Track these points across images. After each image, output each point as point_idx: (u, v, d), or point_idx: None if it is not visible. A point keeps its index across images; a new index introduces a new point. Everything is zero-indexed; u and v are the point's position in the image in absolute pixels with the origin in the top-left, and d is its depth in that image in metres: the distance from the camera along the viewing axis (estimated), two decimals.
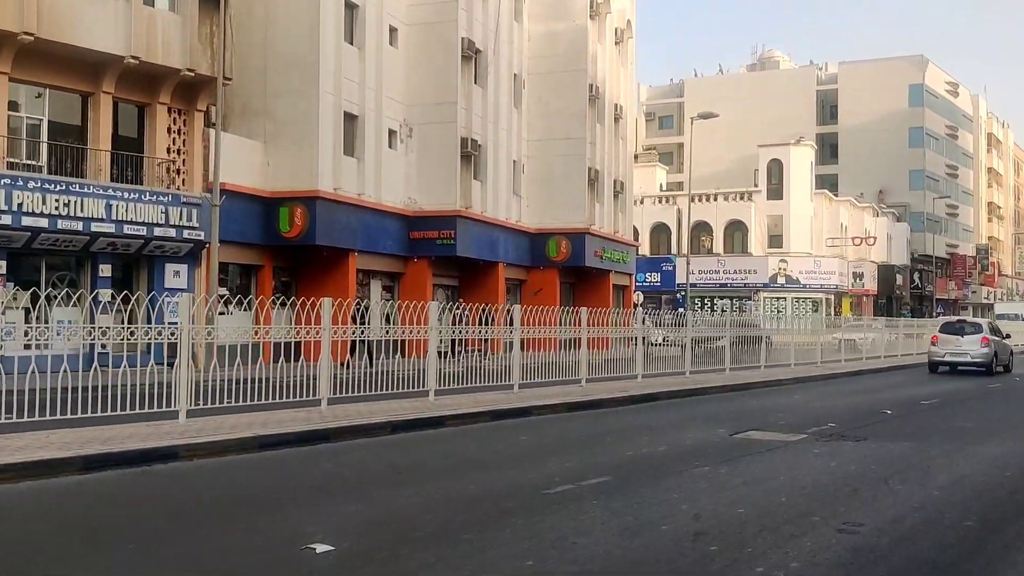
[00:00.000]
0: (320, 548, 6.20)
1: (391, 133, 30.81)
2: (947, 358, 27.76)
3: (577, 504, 7.82)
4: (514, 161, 36.47)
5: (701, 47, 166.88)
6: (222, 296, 23.99)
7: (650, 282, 66.73)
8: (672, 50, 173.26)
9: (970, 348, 27.43)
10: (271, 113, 26.98)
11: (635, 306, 53.98)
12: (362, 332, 14.96)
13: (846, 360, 29.81)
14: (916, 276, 79.80)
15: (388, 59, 30.30)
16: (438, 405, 14.10)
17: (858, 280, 68.87)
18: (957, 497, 8.54)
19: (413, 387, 15.15)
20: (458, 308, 16.12)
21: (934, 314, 73.77)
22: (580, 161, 37.77)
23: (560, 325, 17.96)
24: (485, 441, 11.96)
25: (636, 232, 66.68)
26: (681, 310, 62.34)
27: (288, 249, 27.49)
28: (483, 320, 16.60)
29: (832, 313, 60.34)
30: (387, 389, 14.74)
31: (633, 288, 63.43)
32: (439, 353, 16.73)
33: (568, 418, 14.42)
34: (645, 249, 67.42)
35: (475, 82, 33.23)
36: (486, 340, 17.20)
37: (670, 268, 66.47)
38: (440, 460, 10.39)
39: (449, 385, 15.84)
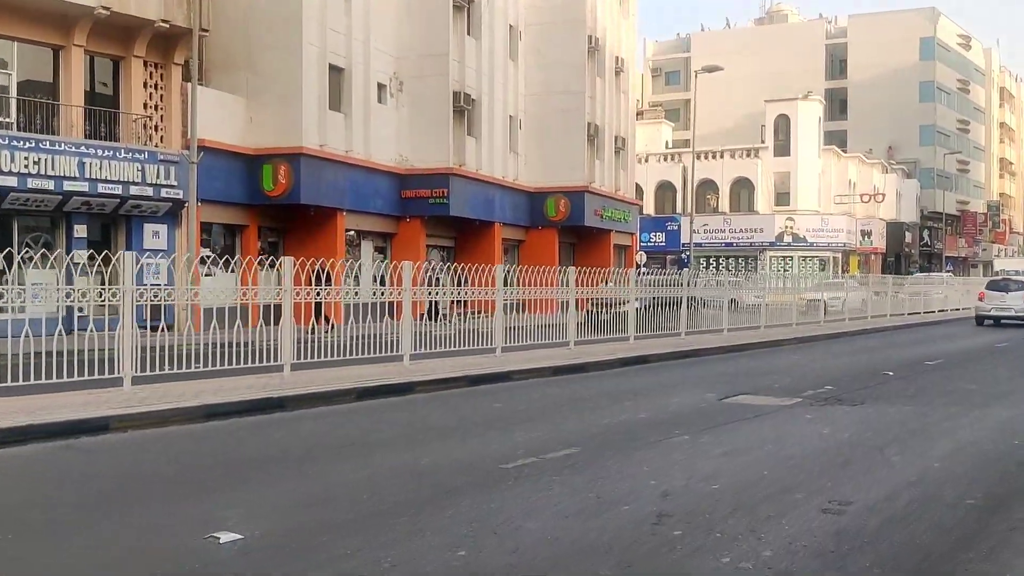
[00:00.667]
0: (225, 537, 5.44)
1: (380, 87, 29.79)
2: (992, 312, 30.06)
3: (535, 480, 7.05)
4: (510, 116, 35.41)
5: (708, 1, 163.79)
6: (206, 258, 23.25)
7: (655, 242, 65.83)
8: (679, 4, 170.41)
9: (1014, 303, 29.52)
10: (253, 66, 25.98)
11: (637, 267, 53.15)
12: (350, 294, 14.22)
13: (826, 322, 28.83)
14: (925, 234, 78.58)
15: (376, 9, 29.19)
16: (411, 370, 13.34)
17: (866, 238, 67.71)
18: (960, 469, 7.73)
19: (392, 351, 14.36)
20: (435, 269, 15.29)
21: (943, 271, 72.68)
22: (579, 116, 36.67)
23: (545, 286, 17.08)
24: (454, 408, 11.18)
25: (641, 191, 65.63)
26: (686, 270, 61.47)
27: (274, 208, 26.64)
28: (459, 281, 15.77)
29: (840, 272, 59.38)
30: (365, 353, 13.95)
31: (635, 248, 62.60)
32: (430, 315, 16.03)
33: (550, 383, 13.63)
34: (650, 208, 66.37)
35: (468, 33, 32.11)
36: (464, 303, 16.40)
37: (675, 227, 65.48)
38: (399, 429, 9.63)
39: (430, 349, 15.06)
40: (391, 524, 5.81)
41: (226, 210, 25.47)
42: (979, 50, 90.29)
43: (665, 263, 62.72)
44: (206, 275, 21.46)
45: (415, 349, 14.18)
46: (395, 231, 30.89)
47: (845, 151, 70.71)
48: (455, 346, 15.32)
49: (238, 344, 12.28)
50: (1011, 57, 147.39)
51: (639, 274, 33.79)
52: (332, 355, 13.44)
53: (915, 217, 77.25)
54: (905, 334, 26.93)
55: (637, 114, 77.36)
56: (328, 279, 13.83)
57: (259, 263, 20.49)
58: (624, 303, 19.33)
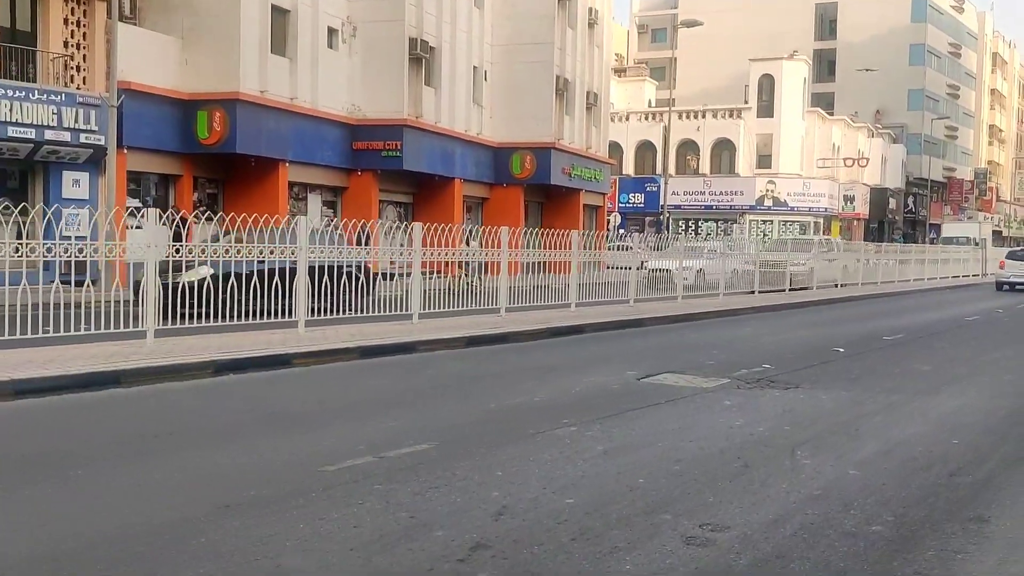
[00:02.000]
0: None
1: (331, 31, 28.12)
2: (1012, 279, 33.96)
3: (351, 490, 5.74)
4: (475, 67, 33.77)
5: None
6: (137, 209, 21.71)
7: (634, 203, 64.43)
8: None
9: None
10: (190, 5, 24.30)
11: (610, 228, 51.76)
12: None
13: (791, 290, 27.54)
14: (910, 200, 77.35)
15: None
16: (301, 339, 11.98)
17: (849, 203, 66.45)
18: (878, 479, 6.46)
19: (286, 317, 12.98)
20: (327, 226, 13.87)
21: (927, 240, 71.57)
22: (547, 69, 35.05)
23: (467, 247, 15.73)
24: (324, 385, 9.86)
25: (620, 150, 64.10)
26: (665, 232, 60.22)
27: (211, 158, 25.10)
28: (360, 240, 14.40)
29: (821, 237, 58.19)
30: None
31: (608, 209, 61.17)
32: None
33: (459, 356, 12.30)
34: (630, 168, 64.92)
35: None
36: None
37: (655, 189, 63.83)
38: (242, 415, 8.30)
39: (333, 314, 13.58)
40: (117, 560, 4.50)
41: (157, 158, 23.93)
42: (972, 14, 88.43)
43: (643, 225, 61.41)
44: (137, 227, 20.04)
45: (311, 315, 12.80)
46: (346, 185, 29.38)
47: (832, 114, 69.16)
48: (366, 311, 13.94)
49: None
50: (1004, 21, 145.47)
51: (611, 236, 32.68)
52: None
53: (900, 183, 75.92)
54: (874, 304, 25.73)
55: (619, 71, 75.73)
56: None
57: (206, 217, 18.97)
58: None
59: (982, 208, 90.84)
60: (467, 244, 15.70)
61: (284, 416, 8.11)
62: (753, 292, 24.78)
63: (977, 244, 57.36)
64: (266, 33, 25.04)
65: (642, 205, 63.35)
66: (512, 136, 34.89)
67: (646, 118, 65.10)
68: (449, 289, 15.56)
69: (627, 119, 65.06)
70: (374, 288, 14.39)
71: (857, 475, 6.56)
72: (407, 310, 14.23)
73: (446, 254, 16.17)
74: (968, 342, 16.11)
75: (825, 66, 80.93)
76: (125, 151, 22.40)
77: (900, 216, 75.75)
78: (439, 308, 15.14)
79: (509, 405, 8.80)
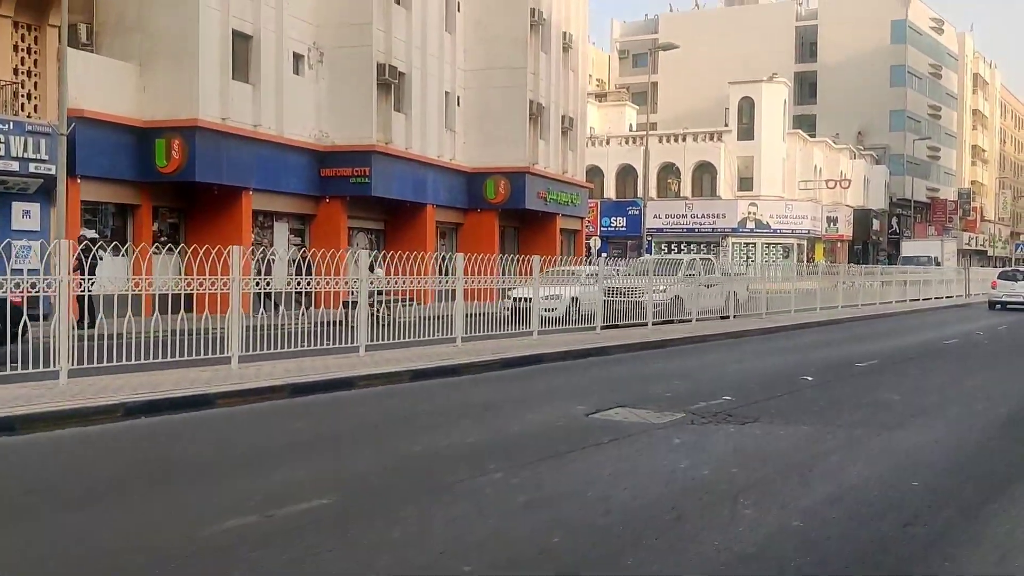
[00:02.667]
0: None
1: (297, 57, 27.61)
2: (1003, 299, 34.99)
3: (216, 559, 5.06)
4: (447, 92, 33.29)
5: None
6: (93, 240, 21.03)
7: (615, 227, 64.00)
8: None
9: (1022, 291, 34.25)
10: (147, 30, 23.75)
11: (589, 252, 51.26)
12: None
13: (768, 314, 26.89)
14: (894, 221, 77.14)
15: None
16: (236, 376, 11.29)
17: (832, 225, 66.11)
18: (822, 532, 5.81)
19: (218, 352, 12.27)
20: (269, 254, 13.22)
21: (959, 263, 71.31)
22: (520, 93, 34.60)
23: (424, 275, 15.09)
24: (236, 432, 9.15)
25: (602, 173, 63.73)
26: (647, 256, 59.73)
27: (171, 187, 24.46)
28: (303, 269, 13.75)
29: (804, 259, 57.79)
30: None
31: (588, 233, 60.66)
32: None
33: (401, 392, 11.61)
34: (611, 192, 64.58)
35: (397, 2, 29.95)
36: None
37: (636, 212, 63.30)
38: (137, 466, 7.59)
39: (273, 348, 12.80)
40: None
41: (114, 188, 23.27)
42: (952, 34, 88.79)
43: (626, 249, 60.97)
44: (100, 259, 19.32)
45: (246, 350, 12.10)
46: (314, 213, 28.76)
47: (814, 136, 69.03)
48: (306, 344, 13.22)
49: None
50: (985, 42, 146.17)
51: (590, 260, 31.91)
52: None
53: (884, 204, 75.74)
54: (853, 328, 25.14)
55: (600, 96, 75.61)
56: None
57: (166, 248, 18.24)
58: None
59: (967, 228, 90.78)
60: (371, 271, 14.92)
61: (183, 466, 7.42)
62: (729, 316, 24.12)
63: (939, 264, 55.20)
64: (227, 59, 24.49)
65: (624, 229, 62.84)
66: (486, 161, 34.39)
67: (627, 142, 64.76)
68: (403, 319, 14.90)
69: (608, 143, 64.76)
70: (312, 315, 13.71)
71: (800, 527, 5.90)
72: (355, 342, 13.54)
73: (407, 282, 15.54)
74: (943, 368, 15.51)
75: (806, 88, 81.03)
76: (78, 180, 21.77)
77: (884, 237, 75.49)
78: (392, 339, 14.46)
79: (435, 449, 8.13)
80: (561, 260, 25.76)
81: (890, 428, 9.56)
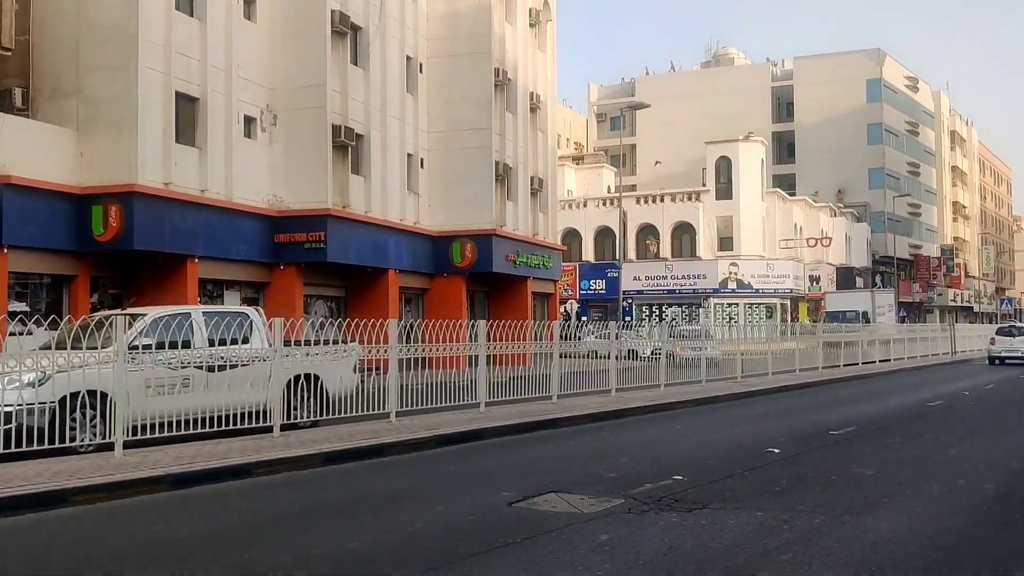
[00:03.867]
0: None
1: (249, 120, 26.59)
2: (1003, 354, 36.61)
3: None
4: (409, 154, 32.36)
5: (653, 48, 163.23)
6: (14, 314, 19.63)
7: (595, 290, 63.09)
8: (623, 50, 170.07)
9: (1021, 346, 36.15)
10: (84, 94, 22.68)
11: (566, 316, 50.09)
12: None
13: (743, 377, 25.60)
14: (878, 279, 76.40)
15: (243, 35, 26.10)
16: (98, 467, 9.91)
17: (815, 283, 65.35)
18: None
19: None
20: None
21: (896, 318, 70.34)
22: (486, 154, 33.67)
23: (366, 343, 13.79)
24: (68, 542, 7.76)
25: (579, 236, 62.93)
26: (628, 319, 58.66)
27: (113, 256, 23.15)
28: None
29: (788, 319, 56.68)
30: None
31: (569, 296, 59.63)
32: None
33: (305, 479, 10.18)
34: (590, 255, 63.75)
35: (355, 63, 29.16)
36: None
37: (615, 274, 62.38)
38: None
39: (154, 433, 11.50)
40: None
41: (47, 258, 21.92)
42: (927, 92, 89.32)
43: (606, 312, 59.82)
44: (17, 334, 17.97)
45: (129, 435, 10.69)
46: (268, 280, 27.49)
47: (793, 195, 68.60)
48: (215, 424, 11.83)
49: None
50: (961, 100, 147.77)
51: (566, 325, 30.64)
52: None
53: (866, 262, 75.16)
54: (831, 391, 23.85)
55: (577, 159, 75.27)
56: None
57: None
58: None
59: (951, 284, 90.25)
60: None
61: None
62: (700, 382, 22.83)
63: (868, 320, 48.10)
64: (170, 122, 23.42)
65: (604, 291, 61.87)
66: (451, 224, 33.33)
67: (604, 204, 64.11)
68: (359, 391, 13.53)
69: (585, 205, 64.17)
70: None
71: None
72: (269, 421, 12.17)
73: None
74: (924, 435, 14.19)
75: (784, 148, 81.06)
76: (5, 250, 20.51)
77: None
78: (314, 416, 13.08)
79: (305, 557, 6.75)
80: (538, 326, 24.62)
81: (858, 512, 8.25)
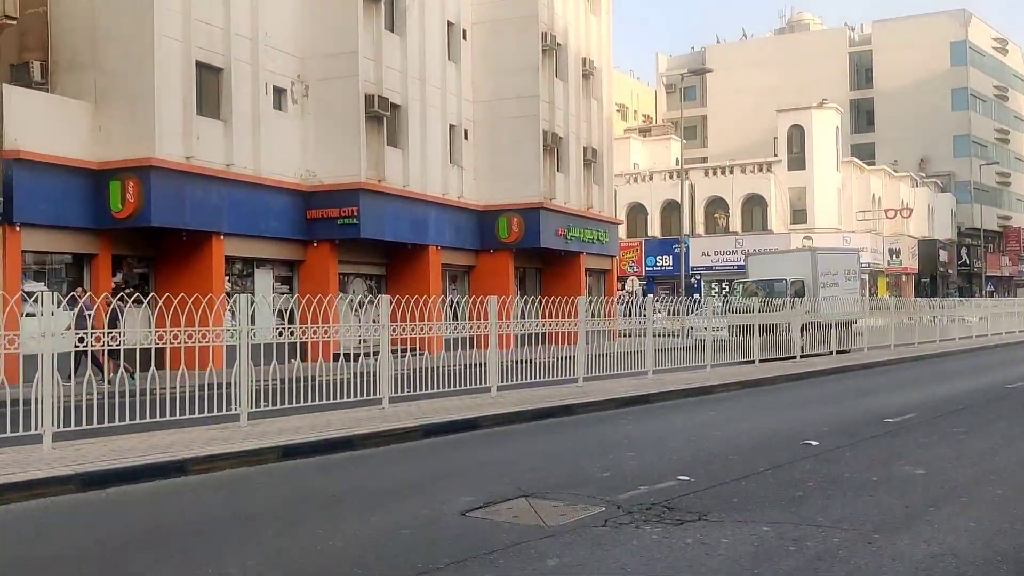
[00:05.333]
0: None
1: (279, 91, 25.53)
2: None
3: None
4: (452, 125, 30.97)
5: (724, 16, 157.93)
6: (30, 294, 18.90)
7: (661, 266, 60.92)
8: (694, 20, 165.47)
9: None
10: (101, 65, 21.86)
11: (624, 293, 48.27)
12: None
13: (803, 357, 23.48)
14: (963, 252, 72.45)
15: (269, 0, 24.99)
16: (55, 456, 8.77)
17: (895, 257, 62.05)
18: None
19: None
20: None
21: (984, 292, 66.62)
22: (533, 124, 32.08)
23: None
24: None
25: (645, 210, 60.83)
26: (696, 296, 56.46)
27: (136, 234, 22.33)
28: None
29: (867, 294, 53.79)
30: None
31: (634, 273, 57.75)
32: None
33: (245, 478, 8.89)
34: (656, 230, 61.58)
35: (391, 29, 27.85)
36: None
37: (682, 250, 60.22)
38: None
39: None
40: None
41: (65, 236, 21.21)
42: (1018, 55, 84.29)
43: (673, 288, 57.73)
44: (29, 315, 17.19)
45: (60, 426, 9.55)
46: (302, 258, 26.46)
47: (873, 164, 65.24)
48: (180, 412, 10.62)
49: None
50: None
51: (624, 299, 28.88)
52: None
53: (951, 234, 71.28)
54: (900, 371, 21.76)
55: (644, 131, 72.95)
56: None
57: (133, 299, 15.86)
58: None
59: None
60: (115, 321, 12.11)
61: None
62: (754, 361, 21.01)
63: (799, 294, 26.73)
64: (191, 93, 22.46)
65: (671, 267, 59.66)
66: (497, 198, 31.89)
67: (671, 176, 61.77)
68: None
69: (651, 179, 61.96)
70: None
71: None
72: (234, 408, 10.91)
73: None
74: (996, 424, 12.26)
75: (863, 116, 77.41)
76: (18, 228, 19.79)
77: (954, 269, 70.90)
78: (288, 403, 11.73)
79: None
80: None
81: (892, 529, 6.60)
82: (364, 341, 14.72)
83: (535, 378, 15.26)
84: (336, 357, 14.20)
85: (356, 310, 14.32)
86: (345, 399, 12.25)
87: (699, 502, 7.48)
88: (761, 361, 21.13)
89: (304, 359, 13.73)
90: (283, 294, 25.45)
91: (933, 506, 7.39)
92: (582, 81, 35.97)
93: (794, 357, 22.51)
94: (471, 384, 14.20)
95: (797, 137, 58.40)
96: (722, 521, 6.85)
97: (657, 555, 5.98)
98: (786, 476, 8.64)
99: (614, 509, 7.23)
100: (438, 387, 13.61)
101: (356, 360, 12.75)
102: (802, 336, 23.53)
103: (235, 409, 10.87)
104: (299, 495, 8.01)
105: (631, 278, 50.87)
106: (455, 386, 13.94)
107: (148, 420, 10.19)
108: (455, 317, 15.71)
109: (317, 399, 12.06)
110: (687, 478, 8.46)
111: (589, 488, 8.06)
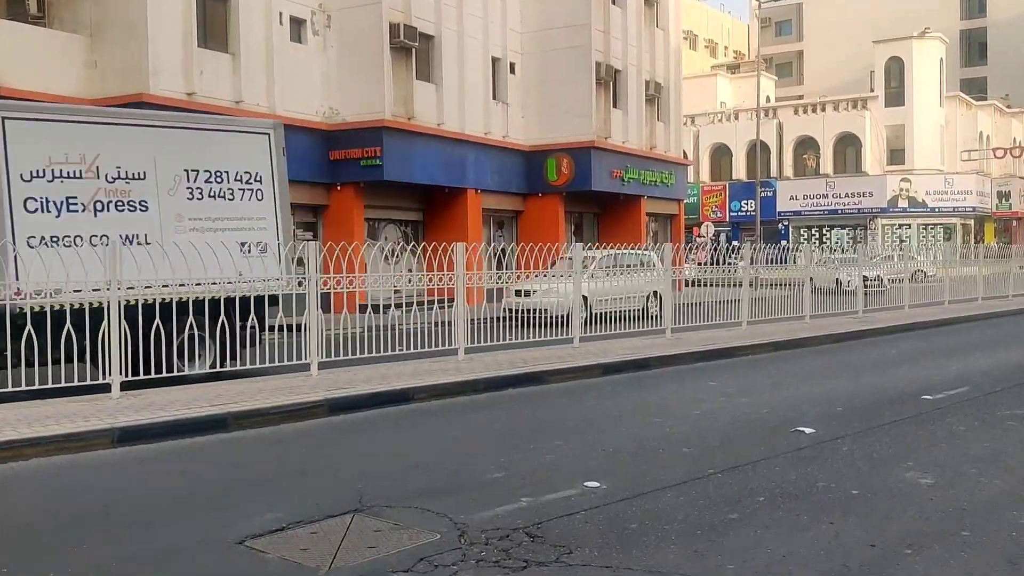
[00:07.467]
0: None
1: (298, 22, 23.71)
2: None
3: None
4: (495, 58, 28.67)
5: None
6: None
7: (747, 211, 57.48)
8: None
9: None
10: None
11: (693, 239, 45.37)
12: None
13: (866, 311, 20.66)
14: None
15: None
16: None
17: (1004, 201, 57.13)
18: None
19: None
20: None
21: None
22: (585, 55, 29.49)
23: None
24: None
25: (730, 152, 57.44)
26: (784, 243, 53.03)
27: None
28: None
29: (972, 241, 49.55)
30: None
31: (716, 219, 54.64)
32: None
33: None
34: (741, 173, 58.12)
35: None
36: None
37: (770, 194, 56.71)
38: None
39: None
40: None
41: None
42: None
43: (759, 235, 54.46)
44: None
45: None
46: (326, 203, 24.83)
47: (984, 99, 60.03)
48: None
49: None
50: None
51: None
52: None
53: None
54: (970, 331, 18.78)
55: (733, 68, 68.88)
56: None
57: None
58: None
59: None
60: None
61: None
62: (804, 317, 18.42)
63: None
64: (191, 23, 20.82)
65: (754, 212, 56.29)
66: (546, 137, 29.56)
67: (759, 115, 57.95)
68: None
69: (736, 118, 58.37)
70: None
71: None
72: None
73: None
74: None
75: (975, 48, 71.46)
76: None
77: None
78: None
79: None
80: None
81: (883, 565, 4.40)
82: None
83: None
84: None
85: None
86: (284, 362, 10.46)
87: (581, 528, 5.40)
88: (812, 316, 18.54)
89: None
90: (306, 240, 23.90)
91: (913, 546, 5.13)
92: (644, 8, 33.07)
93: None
94: (440, 344, 12.26)
95: (896, 70, 53.91)
96: (583, 566, 4.77)
97: None
98: (735, 485, 6.44)
99: (452, 538, 5.23)
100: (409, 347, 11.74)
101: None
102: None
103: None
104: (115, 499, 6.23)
105: (706, 223, 47.81)
106: (419, 347, 12.02)
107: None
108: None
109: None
110: (596, 484, 6.37)
111: (455, 498, 6.06)
